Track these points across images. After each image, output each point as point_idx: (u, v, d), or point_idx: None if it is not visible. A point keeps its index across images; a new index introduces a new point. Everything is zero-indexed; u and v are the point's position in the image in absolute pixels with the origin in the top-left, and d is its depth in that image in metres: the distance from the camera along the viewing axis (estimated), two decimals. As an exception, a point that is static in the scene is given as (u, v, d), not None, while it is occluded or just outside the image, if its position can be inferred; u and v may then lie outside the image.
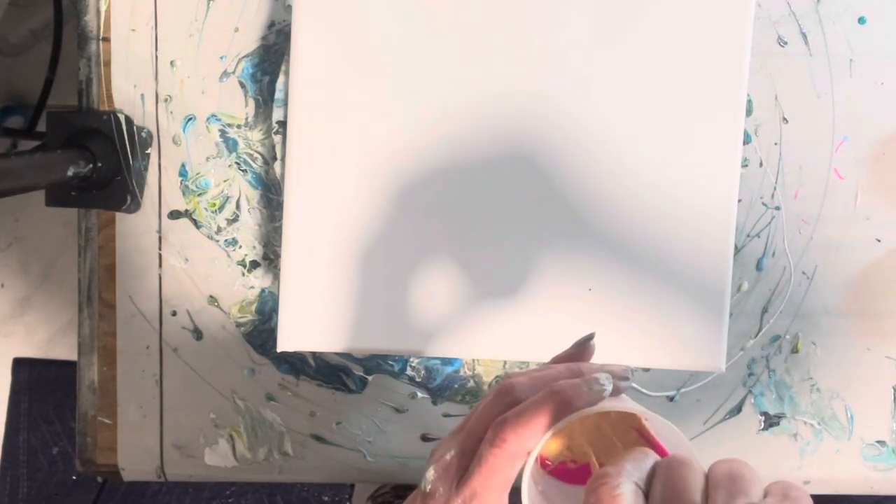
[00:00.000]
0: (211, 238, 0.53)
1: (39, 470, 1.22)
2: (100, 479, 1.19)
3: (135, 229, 0.53)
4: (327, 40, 0.48)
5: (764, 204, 0.52)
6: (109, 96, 0.52)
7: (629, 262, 0.49)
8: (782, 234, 0.52)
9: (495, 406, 0.35)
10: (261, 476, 0.54)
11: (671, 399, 0.53)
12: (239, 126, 0.52)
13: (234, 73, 0.52)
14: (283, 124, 0.52)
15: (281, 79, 0.51)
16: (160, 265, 0.53)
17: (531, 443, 0.33)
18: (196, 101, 0.52)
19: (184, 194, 0.53)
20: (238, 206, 0.53)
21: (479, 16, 0.48)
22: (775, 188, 0.52)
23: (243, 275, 0.53)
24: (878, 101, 0.52)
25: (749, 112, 0.51)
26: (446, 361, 0.53)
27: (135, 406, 0.54)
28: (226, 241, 0.53)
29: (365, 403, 0.54)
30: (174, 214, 0.53)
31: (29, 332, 1.26)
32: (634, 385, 0.53)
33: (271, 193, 0.53)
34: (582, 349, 0.39)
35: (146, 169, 0.53)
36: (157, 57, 0.52)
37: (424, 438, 0.54)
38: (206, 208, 0.53)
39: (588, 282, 0.49)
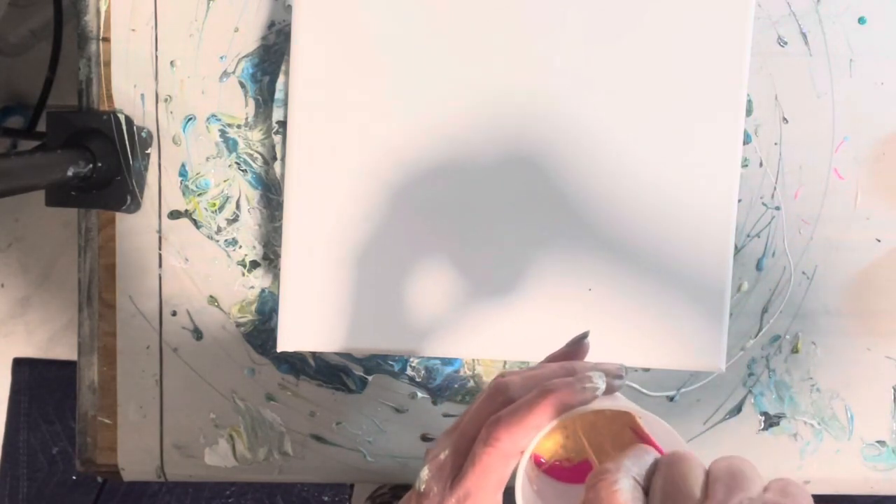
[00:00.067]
0: (211, 238, 0.53)
1: (39, 470, 1.22)
2: (100, 479, 1.19)
3: (135, 229, 0.53)
4: (327, 40, 0.48)
5: (764, 204, 0.52)
6: (109, 96, 0.52)
7: (629, 262, 0.49)
8: (782, 234, 0.52)
9: (489, 405, 0.35)
10: (261, 476, 0.54)
11: (671, 399, 0.53)
12: (239, 126, 0.52)
13: (234, 73, 0.52)
14: (283, 124, 0.52)
15: (281, 79, 0.51)
16: (160, 265, 0.53)
17: (524, 442, 0.33)
18: (196, 101, 0.52)
19: (184, 194, 0.53)
20: (238, 206, 0.53)
21: (479, 16, 0.48)
22: (775, 188, 0.52)
23: (243, 275, 0.53)
24: (878, 101, 0.52)
25: (749, 112, 0.51)
26: (446, 361, 0.53)
27: (135, 406, 0.54)
28: (226, 241, 0.53)
29: (365, 403, 0.54)
30: (174, 214, 0.53)
31: (29, 332, 1.26)
32: (634, 385, 0.53)
33: (271, 193, 0.53)
34: (576, 347, 0.39)
35: (146, 169, 0.53)
36: (157, 57, 0.52)
37: (424, 438, 0.54)
38: (206, 208, 0.53)
39: (588, 282, 0.49)
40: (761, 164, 0.52)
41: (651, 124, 0.48)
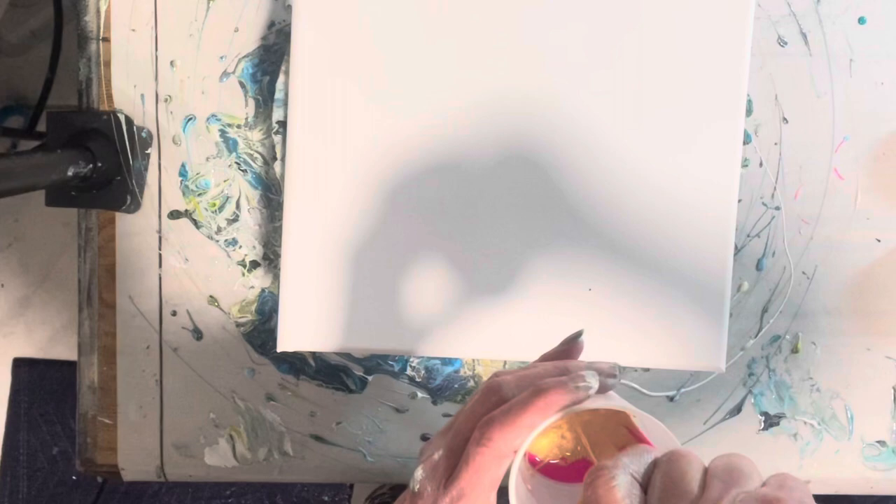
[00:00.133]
0: (211, 238, 0.53)
1: (39, 470, 1.22)
2: (100, 479, 1.19)
3: (135, 229, 0.53)
4: (327, 40, 0.48)
5: (764, 204, 0.52)
6: (109, 96, 0.52)
7: (629, 262, 0.49)
8: (782, 234, 0.52)
9: (482, 405, 0.35)
10: (261, 476, 0.54)
11: (671, 399, 0.53)
12: (239, 126, 0.52)
13: (234, 73, 0.52)
14: (283, 124, 0.52)
15: (281, 79, 0.51)
16: (160, 265, 0.53)
17: (517, 441, 0.33)
18: (196, 101, 0.52)
19: (184, 194, 0.53)
20: (238, 206, 0.53)
21: (479, 16, 0.48)
22: (775, 188, 0.52)
23: (243, 275, 0.53)
24: (878, 101, 0.52)
25: (749, 112, 0.51)
26: (446, 361, 0.53)
27: (135, 406, 0.54)
28: (226, 241, 0.53)
29: (365, 403, 0.54)
30: (174, 214, 0.53)
31: (29, 332, 1.26)
32: (634, 385, 0.53)
33: (271, 193, 0.53)
34: (570, 346, 0.39)
35: (146, 169, 0.53)
36: (157, 57, 0.52)
37: (424, 438, 0.54)
38: (206, 208, 0.53)
39: (588, 282, 0.49)
40: (761, 164, 0.52)
41: (651, 124, 0.48)
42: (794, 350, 0.53)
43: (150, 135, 0.52)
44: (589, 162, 0.48)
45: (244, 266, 0.53)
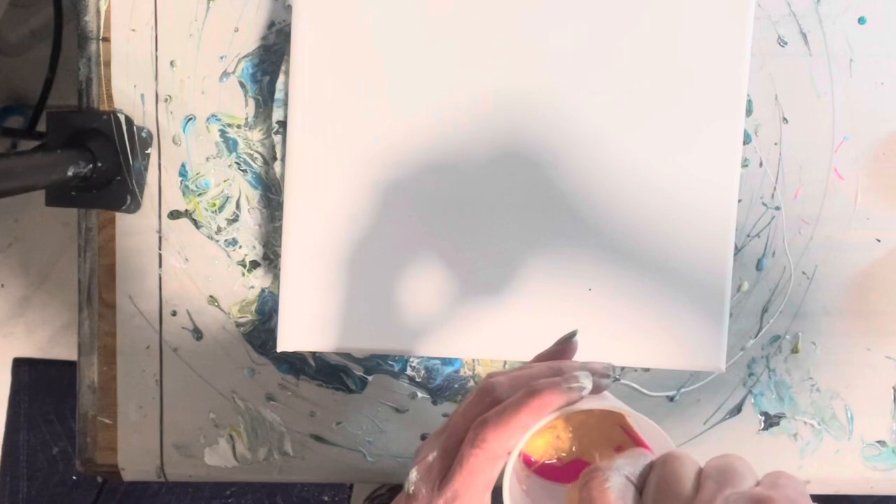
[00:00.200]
0: (211, 238, 0.53)
1: (39, 470, 1.22)
2: (100, 479, 1.19)
3: (135, 229, 0.53)
4: (327, 40, 0.48)
5: (764, 204, 0.52)
6: (109, 96, 0.52)
7: (629, 261, 0.49)
8: (782, 234, 0.52)
9: (476, 406, 0.35)
10: (261, 476, 0.54)
11: (671, 399, 0.53)
12: (239, 126, 0.52)
13: (234, 73, 0.52)
14: (283, 124, 0.52)
15: (281, 79, 0.51)
16: (160, 265, 0.53)
17: (511, 443, 0.33)
18: (196, 101, 0.52)
19: (184, 194, 0.53)
20: (238, 206, 0.53)
21: (479, 16, 0.48)
22: (775, 188, 0.52)
23: (243, 275, 0.53)
24: (878, 101, 0.52)
25: (749, 112, 0.51)
26: (446, 361, 0.53)
27: (135, 406, 0.54)
28: (226, 241, 0.53)
29: (365, 403, 0.54)
30: (174, 214, 0.53)
31: (29, 332, 1.26)
32: (634, 385, 0.53)
33: (271, 193, 0.53)
34: (564, 347, 0.39)
35: (146, 169, 0.53)
36: (157, 57, 0.52)
37: (424, 438, 0.54)
38: (206, 208, 0.53)
39: (588, 282, 0.49)
40: (761, 164, 0.52)
41: (651, 124, 0.48)
42: (794, 350, 0.53)
43: (150, 135, 0.52)
44: (589, 162, 0.48)
45: (244, 266, 0.53)
